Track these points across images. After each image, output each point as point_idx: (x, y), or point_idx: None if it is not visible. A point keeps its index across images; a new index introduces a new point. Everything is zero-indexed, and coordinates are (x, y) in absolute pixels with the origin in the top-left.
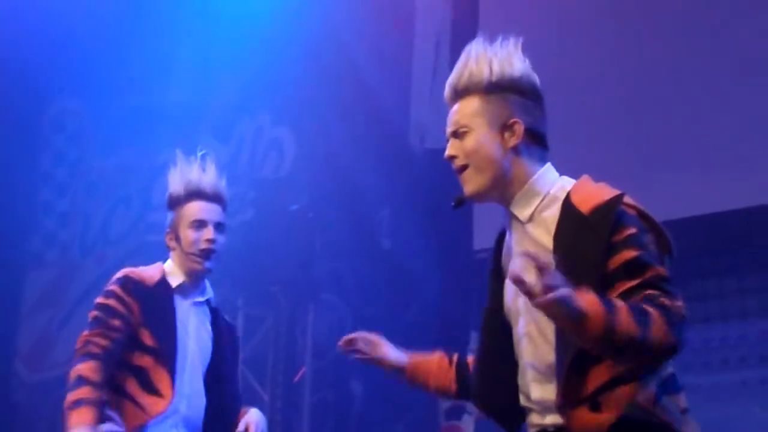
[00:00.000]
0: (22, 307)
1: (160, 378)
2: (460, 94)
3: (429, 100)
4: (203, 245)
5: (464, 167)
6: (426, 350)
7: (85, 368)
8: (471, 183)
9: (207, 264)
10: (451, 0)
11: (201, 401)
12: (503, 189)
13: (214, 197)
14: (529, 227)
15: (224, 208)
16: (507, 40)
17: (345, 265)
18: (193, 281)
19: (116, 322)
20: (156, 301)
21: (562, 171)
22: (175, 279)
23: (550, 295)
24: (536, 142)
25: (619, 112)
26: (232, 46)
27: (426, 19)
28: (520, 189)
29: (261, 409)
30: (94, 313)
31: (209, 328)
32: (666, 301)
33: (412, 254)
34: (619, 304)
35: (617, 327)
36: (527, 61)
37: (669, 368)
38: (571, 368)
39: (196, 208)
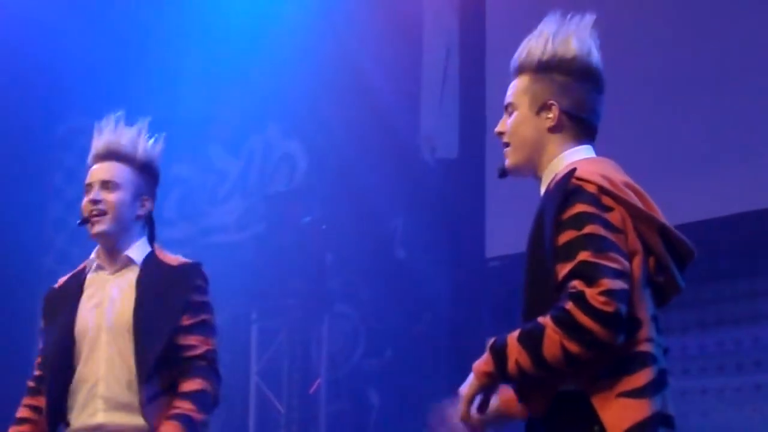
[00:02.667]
0: (35, 325)
1: (45, 379)
2: (516, 70)
3: (439, 110)
4: (86, 209)
5: (507, 144)
6: (439, 361)
7: (21, 406)
8: (509, 159)
9: (96, 228)
10: (459, 10)
11: (124, 377)
12: (537, 167)
13: (105, 155)
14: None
15: (126, 161)
16: (579, 18)
17: (358, 276)
18: (105, 251)
19: (41, 342)
20: (58, 303)
21: None
22: (92, 259)
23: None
24: (575, 124)
25: (633, 115)
26: (241, 60)
27: (434, 30)
28: (548, 167)
29: (276, 421)
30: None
31: (130, 293)
32: (583, 293)
33: (425, 264)
34: (511, 341)
35: (510, 370)
36: (592, 40)
37: (630, 349)
38: None
39: (88, 175)
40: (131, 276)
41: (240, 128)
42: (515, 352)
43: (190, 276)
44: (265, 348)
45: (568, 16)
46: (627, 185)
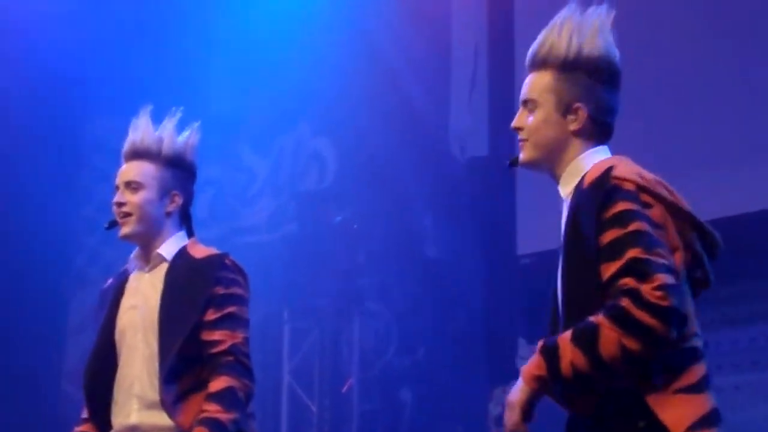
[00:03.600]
0: (68, 325)
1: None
2: (537, 64)
3: (468, 108)
4: (114, 211)
5: (524, 140)
6: (471, 358)
7: None
8: (525, 154)
9: (123, 230)
10: (487, 8)
11: (156, 376)
12: (555, 166)
13: (131, 155)
14: (565, 204)
15: (151, 158)
16: (599, 11)
17: (389, 274)
18: (139, 250)
19: None
20: (101, 307)
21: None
22: (134, 258)
23: (507, 420)
24: (598, 126)
25: (663, 108)
26: (270, 59)
27: (463, 29)
28: (569, 168)
29: (309, 420)
30: None
31: (157, 291)
32: (638, 290)
33: (456, 262)
34: (563, 342)
35: (563, 371)
36: (611, 36)
37: (683, 344)
38: None
39: (117, 177)
40: (161, 273)
41: (270, 127)
42: (569, 353)
43: (214, 268)
44: (297, 347)
45: (589, 9)
46: (660, 183)
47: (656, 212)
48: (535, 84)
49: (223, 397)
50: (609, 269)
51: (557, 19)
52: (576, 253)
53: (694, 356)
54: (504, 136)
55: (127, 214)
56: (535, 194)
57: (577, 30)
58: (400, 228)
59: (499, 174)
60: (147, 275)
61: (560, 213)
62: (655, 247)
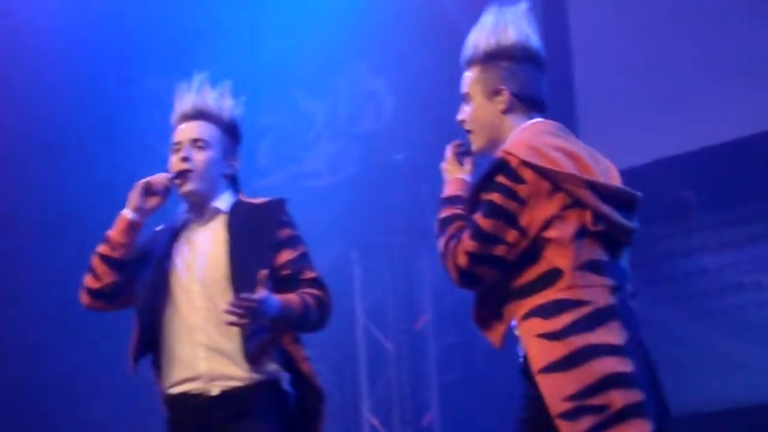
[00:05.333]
0: None
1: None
2: (467, 63)
3: None
4: (176, 167)
5: (469, 131)
6: None
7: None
8: (474, 142)
9: (186, 186)
10: None
11: (221, 326)
12: (499, 145)
13: (193, 115)
14: None
15: (214, 121)
16: (514, 7)
17: None
18: (192, 205)
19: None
20: (151, 249)
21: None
22: (181, 211)
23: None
24: (524, 102)
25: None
26: (322, 1)
27: None
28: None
29: (386, 358)
30: None
31: (223, 243)
32: (461, 240)
33: None
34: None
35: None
36: (528, 24)
37: (549, 297)
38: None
39: (176, 133)
40: (219, 225)
41: (323, 70)
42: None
43: (277, 211)
44: (368, 287)
45: (504, 8)
46: (558, 149)
47: (525, 189)
48: (466, 80)
49: (313, 296)
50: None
51: (480, 22)
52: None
53: (560, 307)
54: (561, 70)
55: (189, 171)
56: (596, 119)
57: (494, 26)
58: None
59: (557, 105)
60: (200, 228)
61: (620, 137)
62: (495, 217)
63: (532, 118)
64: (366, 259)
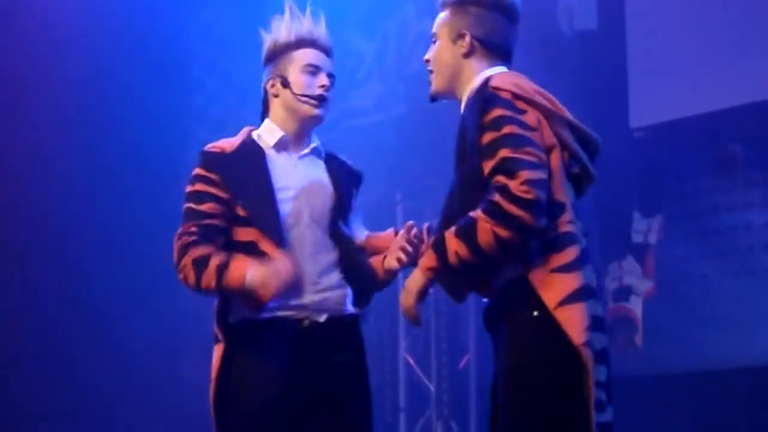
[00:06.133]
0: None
1: (270, 249)
2: (440, 5)
3: None
4: (318, 90)
5: (431, 71)
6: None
7: (189, 255)
8: (433, 84)
9: (320, 110)
10: None
11: (329, 257)
12: (456, 89)
13: (326, 49)
14: None
15: (330, 54)
16: None
17: None
18: (298, 132)
19: (206, 206)
20: (242, 168)
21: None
22: (273, 136)
23: (402, 303)
24: (488, 49)
25: None
26: None
27: None
28: (466, 89)
29: (426, 309)
30: (185, 204)
31: (326, 177)
32: (506, 186)
33: None
34: (449, 235)
35: (451, 261)
36: None
37: (558, 230)
38: None
39: (310, 54)
40: (319, 165)
41: (375, 10)
42: (454, 245)
43: (360, 183)
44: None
45: None
46: (537, 92)
47: (530, 117)
48: (436, 22)
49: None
50: (486, 167)
51: None
52: (463, 155)
53: (569, 240)
54: (612, 8)
55: (326, 99)
56: (646, 68)
57: None
58: None
59: (609, 47)
60: (298, 160)
61: (673, 86)
62: (525, 146)
63: (495, 65)
64: (409, 199)
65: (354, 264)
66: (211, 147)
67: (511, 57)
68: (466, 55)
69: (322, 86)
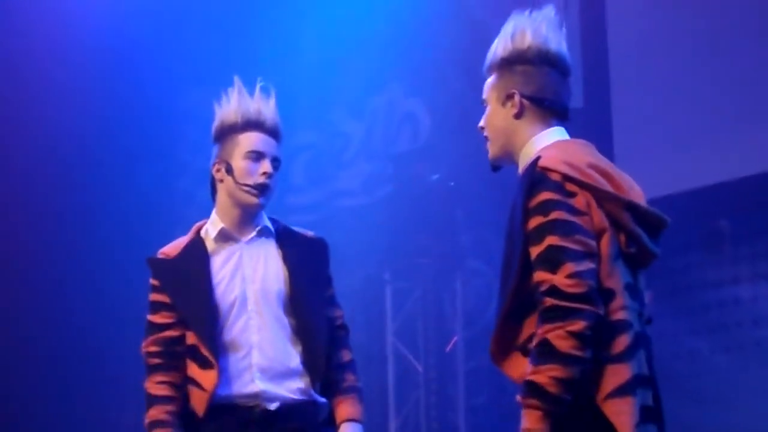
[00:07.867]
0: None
1: (207, 354)
2: (486, 71)
3: None
4: (260, 179)
5: (487, 138)
6: None
7: (149, 384)
8: (490, 151)
9: (261, 199)
10: None
11: (280, 343)
12: (513, 153)
13: (273, 131)
14: None
15: (280, 144)
16: (539, 13)
17: (489, 230)
18: (242, 218)
19: (160, 317)
20: (182, 273)
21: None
22: (214, 228)
23: None
24: (539, 107)
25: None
26: (359, 22)
27: None
28: (521, 154)
29: (415, 380)
30: (147, 315)
31: (276, 256)
32: (553, 284)
33: None
34: (531, 377)
35: (552, 391)
36: (550, 27)
37: (607, 318)
38: (507, 318)
39: (254, 139)
40: (268, 246)
41: (361, 90)
42: (542, 377)
43: (326, 249)
44: (399, 308)
45: (529, 13)
46: (592, 166)
47: (579, 200)
48: (485, 87)
49: (354, 368)
50: (533, 252)
51: (502, 29)
52: (510, 239)
53: (619, 327)
54: (599, 86)
55: (269, 188)
56: (632, 144)
57: (512, 33)
58: (496, 183)
59: (596, 124)
60: (245, 246)
61: (660, 162)
62: (573, 233)
63: (550, 124)
64: (398, 279)
65: (309, 348)
66: (159, 253)
67: (568, 113)
68: (518, 116)
69: (264, 173)
